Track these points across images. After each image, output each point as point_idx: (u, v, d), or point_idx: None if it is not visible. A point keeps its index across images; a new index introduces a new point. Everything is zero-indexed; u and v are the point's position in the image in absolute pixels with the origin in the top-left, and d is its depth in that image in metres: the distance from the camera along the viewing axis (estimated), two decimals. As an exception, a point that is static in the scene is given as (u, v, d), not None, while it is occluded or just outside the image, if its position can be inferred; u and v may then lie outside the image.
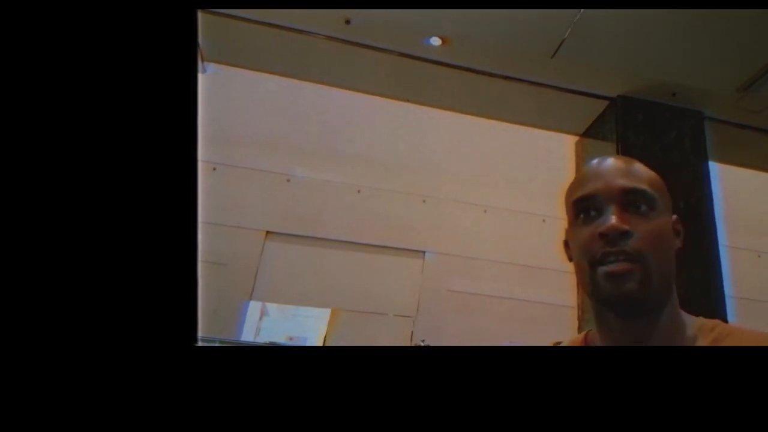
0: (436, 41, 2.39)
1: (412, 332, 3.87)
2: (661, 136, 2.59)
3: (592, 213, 0.61)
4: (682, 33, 2.21)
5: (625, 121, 2.58)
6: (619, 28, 2.22)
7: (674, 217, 0.65)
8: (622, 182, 0.61)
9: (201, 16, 2.16)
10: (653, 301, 0.58)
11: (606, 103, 2.70)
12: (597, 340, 0.66)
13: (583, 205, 0.63)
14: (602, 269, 0.58)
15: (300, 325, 4.34)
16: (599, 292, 0.59)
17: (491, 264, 4.00)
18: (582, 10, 2.11)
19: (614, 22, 2.19)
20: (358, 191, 4.12)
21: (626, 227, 0.58)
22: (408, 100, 3.05)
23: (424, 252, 4.10)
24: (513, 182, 4.26)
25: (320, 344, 3.85)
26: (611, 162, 0.65)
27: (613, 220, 0.58)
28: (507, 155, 4.15)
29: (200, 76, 2.53)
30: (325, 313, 3.95)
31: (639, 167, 0.65)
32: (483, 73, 2.57)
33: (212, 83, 3.09)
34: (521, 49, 2.39)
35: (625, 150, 2.49)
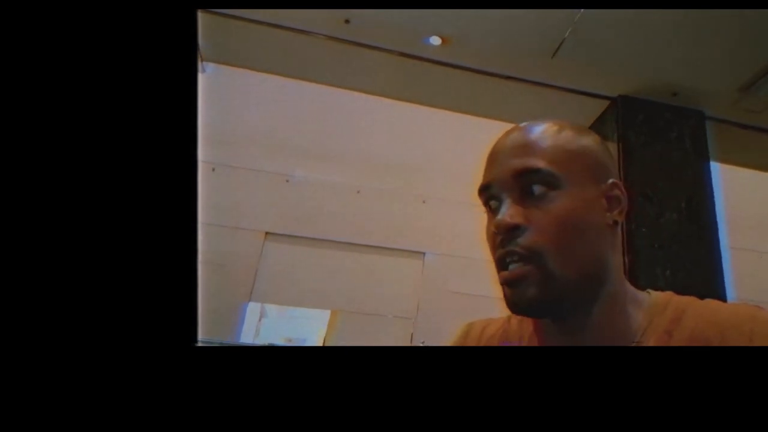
0: (436, 41, 2.38)
1: (412, 333, 3.86)
2: (661, 136, 2.59)
3: (493, 204, 0.53)
4: (683, 33, 2.21)
5: (626, 121, 2.58)
6: (619, 28, 2.22)
7: (609, 182, 0.53)
8: (513, 164, 0.51)
9: (201, 16, 2.17)
10: (567, 300, 0.49)
11: (607, 103, 2.70)
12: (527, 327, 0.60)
13: (484, 196, 0.55)
14: (501, 275, 0.51)
15: (299, 326, 4.34)
16: (505, 299, 0.51)
17: (492, 265, 3.99)
18: (582, 9, 2.11)
19: (615, 22, 2.19)
20: (358, 191, 4.12)
21: (513, 221, 0.49)
22: (408, 100, 3.05)
23: (424, 253, 4.10)
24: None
25: (319, 345, 3.85)
26: (509, 138, 0.54)
27: (500, 215, 0.50)
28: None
29: (200, 76, 2.53)
30: (324, 315, 3.95)
31: (541, 135, 0.52)
32: (483, 72, 2.57)
33: (212, 83, 3.09)
34: (522, 48, 2.39)
35: (625, 150, 2.49)
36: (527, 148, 0.52)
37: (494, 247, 0.52)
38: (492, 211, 0.54)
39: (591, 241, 0.51)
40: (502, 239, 0.50)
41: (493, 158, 0.55)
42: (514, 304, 0.50)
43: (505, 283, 0.50)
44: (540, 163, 0.50)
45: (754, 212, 4.27)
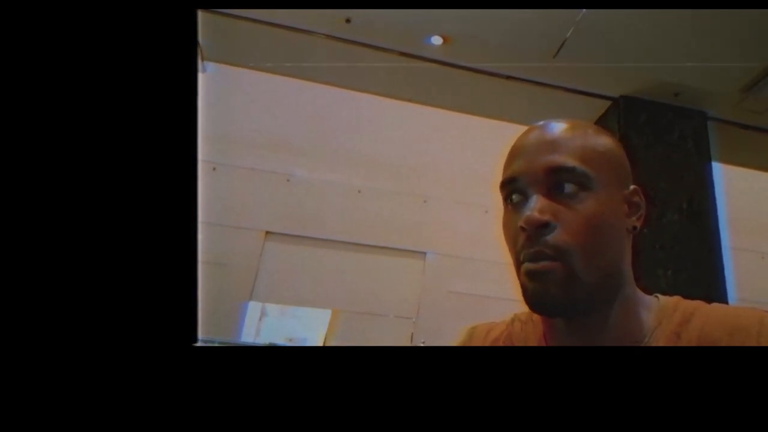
0: (437, 40, 2.38)
1: (412, 333, 3.86)
2: (663, 136, 2.58)
3: (517, 198, 0.52)
4: (684, 33, 2.21)
5: (628, 122, 2.58)
6: (621, 28, 2.22)
7: (632, 188, 0.54)
8: (546, 160, 0.50)
9: (201, 15, 2.17)
10: (587, 301, 0.49)
11: (608, 103, 2.69)
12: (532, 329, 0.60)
13: (507, 189, 0.53)
14: (524, 266, 0.49)
15: (300, 325, 4.34)
16: (524, 295, 0.50)
17: (492, 265, 3.99)
18: (584, 10, 2.11)
19: (616, 22, 2.18)
20: (358, 191, 4.12)
21: (544, 219, 0.48)
22: (409, 100, 3.05)
23: (425, 253, 4.10)
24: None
25: (320, 345, 3.85)
26: (537, 134, 0.53)
27: (530, 211, 0.48)
28: (504, 160, 4.13)
29: (200, 76, 2.53)
30: (325, 314, 3.95)
31: (574, 135, 0.52)
32: (484, 72, 2.57)
33: (212, 82, 3.09)
34: (523, 48, 2.38)
35: (627, 150, 2.48)
36: (559, 145, 0.51)
37: (515, 241, 0.51)
38: (513, 205, 0.53)
39: (614, 245, 0.51)
40: (529, 235, 0.49)
41: (519, 152, 0.53)
42: (536, 300, 0.49)
43: (529, 275, 0.49)
44: (574, 162, 0.50)
45: (756, 213, 4.26)
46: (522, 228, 0.49)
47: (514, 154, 0.54)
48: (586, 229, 0.48)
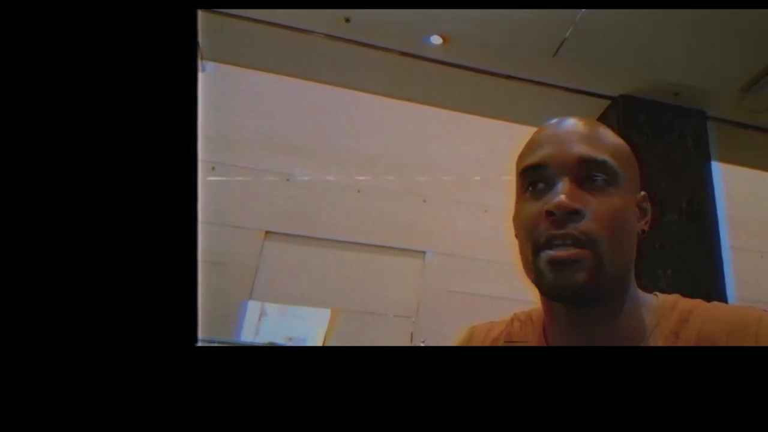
0: (436, 40, 2.38)
1: (412, 333, 3.87)
2: (663, 135, 2.58)
3: (541, 186, 0.52)
4: (684, 32, 2.21)
5: (628, 121, 2.58)
6: (620, 28, 2.22)
7: (642, 194, 0.56)
8: (580, 150, 0.51)
9: (201, 14, 2.16)
10: (605, 291, 0.49)
11: (608, 102, 2.69)
12: (530, 326, 0.61)
13: (531, 176, 0.53)
14: (546, 254, 0.48)
15: (299, 325, 4.34)
16: (542, 282, 0.50)
17: (492, 264, 3.99)
18: (583, 9, 2.11)
19: (616, 22, 2.18)
20: (358, 191, 4.12)
21: (577, 206, 0.48)
22: (409, 99, 3.05)
23: (424, 252, 4.10)
24: (514, 182, 4.26)
25: (320, 345, 3.85)
26: (569, 125, 0.54)
27: (562, 196, 0.48)
28: (508, 155, 4.14)
29: (200, 75, 2.52)
30: (324, 314, 3.95)
31: (603, 132, 0.54)
32: (484, 72, 2.57)
33: (212, 82, 3.09)
34: (522, 48, 2.38)
35: (626, 150, 2.49)
36: (594, 139, 0.52)
37: (534, 227, 0.50)
38: (535, 193, 0.52)
39: (632, 242, 0.52)
40: (556, 220, 0.48)
41: (547, 141, 0.53)
42: (561, 288, 0.48)
43: (553, 264, 0.48)
44: (607, 156, 0.51)
45: (755, 212, 4.27)
46: (549, 213, 0.49)
47: (541, 142, 0.54)
48: (614, 221, 0.49)
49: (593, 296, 0.49)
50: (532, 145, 0.55)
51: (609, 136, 0.54)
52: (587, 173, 0.50)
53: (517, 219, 0.55)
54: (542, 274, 0.49)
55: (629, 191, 0.52)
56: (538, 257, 0.49)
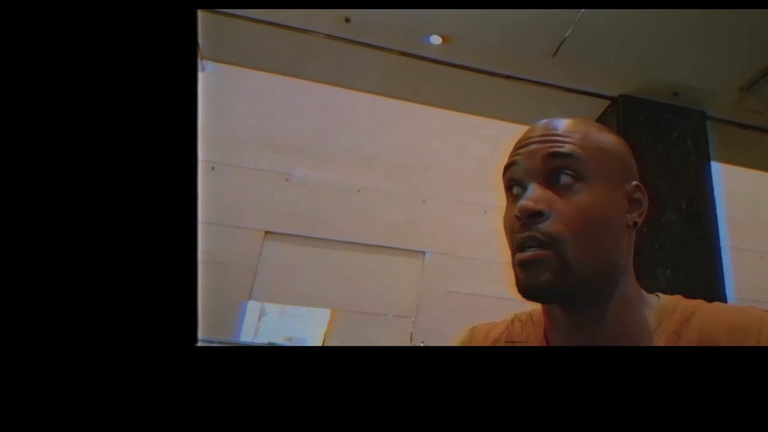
0: (436, 40, 2.38)
1: (411, 333, 3.86)
2: (663, 135, 2.59)
3: (516, 190, 0.53)
4: (684, 33, 2.21)
5: (627, 121, 2.58)
6: (620, 28, 2.22)
7: (633, 184, 0.54)
8: (545, 148, 0.51)
9: (201, 14, 2.16)
10: (578, 289, 0.49)
11: (607, 102, 2.70)
12: (530, 328, 0.61)
13: (507, 180, 0.54)
14: (517, 256, 0.50)
15: (299, 325, 4.34)
16: (516, 283, 0.50)
17: (492, 264, 3.99)
18: (583, 9, 2.11)
19: (616, 22, 2.19)
20: (358, 191, 4.12)
21: (538, 207, 0.49)
22: (408, 99, 3.05)
23: (424, 252, 4.10)
24: (513, 182, 4.26)
25: (319, 345, 3.85)
26: (540, 126, 0.54)
27: (524, 200, 0.49)
28: (507, 155, 4.14)
29: (200, 75, 2.52)
30: (324, 314, 3.95)
31: (574, 125, 0.53)
32: (484, 71, 2.57)
33: (212, 82, 3.08)
34: (522, 47, 2.39)
35: (626, 150, 2.49)
36: (559, 135, 0.52)
37: (512, 233, 0.52)
38: (513, 197, 0.53)
39: (609, 238, 0.51)
40: (523, 223, 0.49)
41: (522, 143, 0.54)
42: (527, 287, 0.50)
43: (520, 265, 0.50)
44: (572, 149, 0.50)
45: (755, 212, 4.27)
46: (516, 217, 0.50)
47: (518, 144, 0.55)
48: (580, 219, 0.49)
49: (565, 295, 0.50)
50: (512, 149, 0.56)
51: (581, 130, 0.52)
52: (552, 171, 0.51)
53: (503, 224, 0.55)
54: (516, 276, 0.51)
55: (607, 184, 0.51)
56: (514, 259, 0.51)
